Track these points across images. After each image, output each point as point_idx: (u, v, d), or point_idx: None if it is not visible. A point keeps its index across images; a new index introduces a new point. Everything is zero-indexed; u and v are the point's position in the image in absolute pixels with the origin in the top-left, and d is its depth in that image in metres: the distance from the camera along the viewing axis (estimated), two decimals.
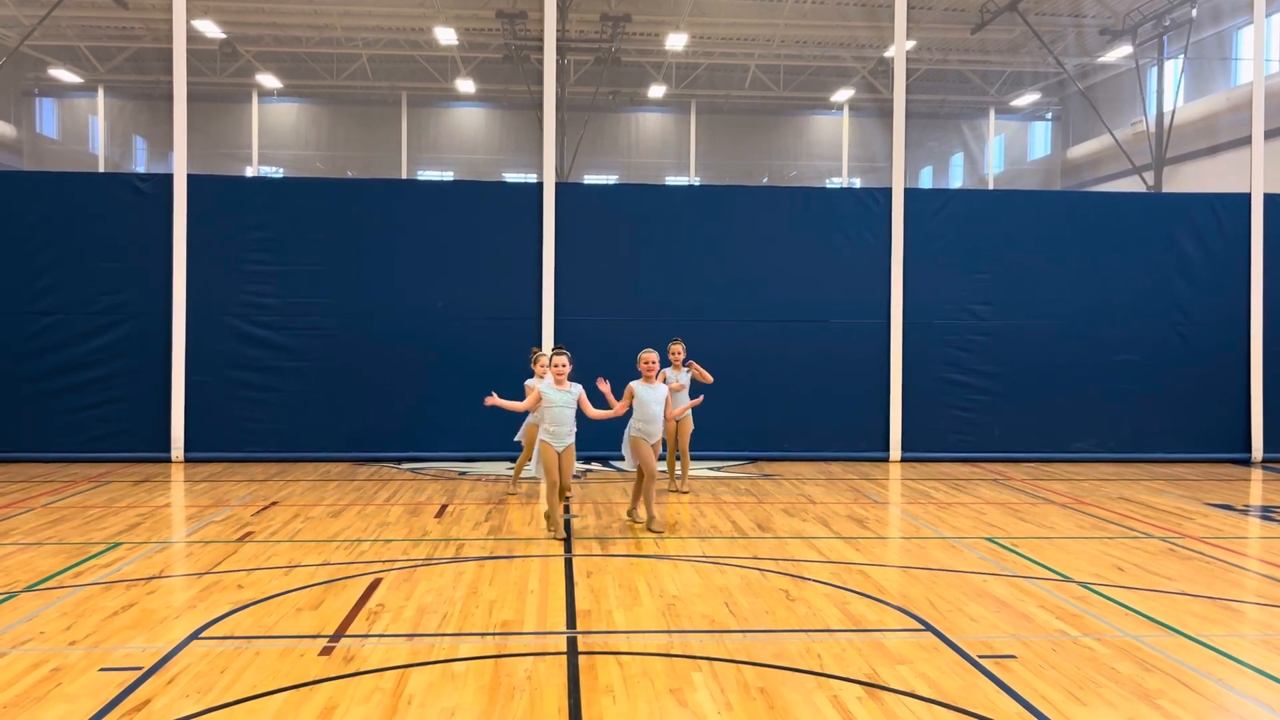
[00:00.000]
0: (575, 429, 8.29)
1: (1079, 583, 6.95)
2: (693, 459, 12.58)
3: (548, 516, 8.36)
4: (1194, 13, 23.09)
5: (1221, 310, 13.37)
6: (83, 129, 33.22)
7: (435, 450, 12.60)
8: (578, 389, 8.22)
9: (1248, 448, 13.33)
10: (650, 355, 8.83)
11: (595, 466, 12.38)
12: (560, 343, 12.45)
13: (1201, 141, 24.29)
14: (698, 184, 31.64)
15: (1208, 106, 24.18)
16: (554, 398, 8.15)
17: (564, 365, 8.18)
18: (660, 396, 8.63)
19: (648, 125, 35.35)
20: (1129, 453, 13.22)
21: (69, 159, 31.67)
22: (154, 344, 12.35)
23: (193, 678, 4.94)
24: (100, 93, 30.91)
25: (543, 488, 8.72)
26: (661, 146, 35.20)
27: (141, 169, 33.06)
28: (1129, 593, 6.70)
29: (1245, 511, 9.98)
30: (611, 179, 33.62)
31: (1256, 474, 12.51)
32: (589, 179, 31.66)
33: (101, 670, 5.04)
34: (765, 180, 34.73)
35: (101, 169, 30.04)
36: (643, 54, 29.18)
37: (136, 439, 12.35)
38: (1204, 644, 5.62)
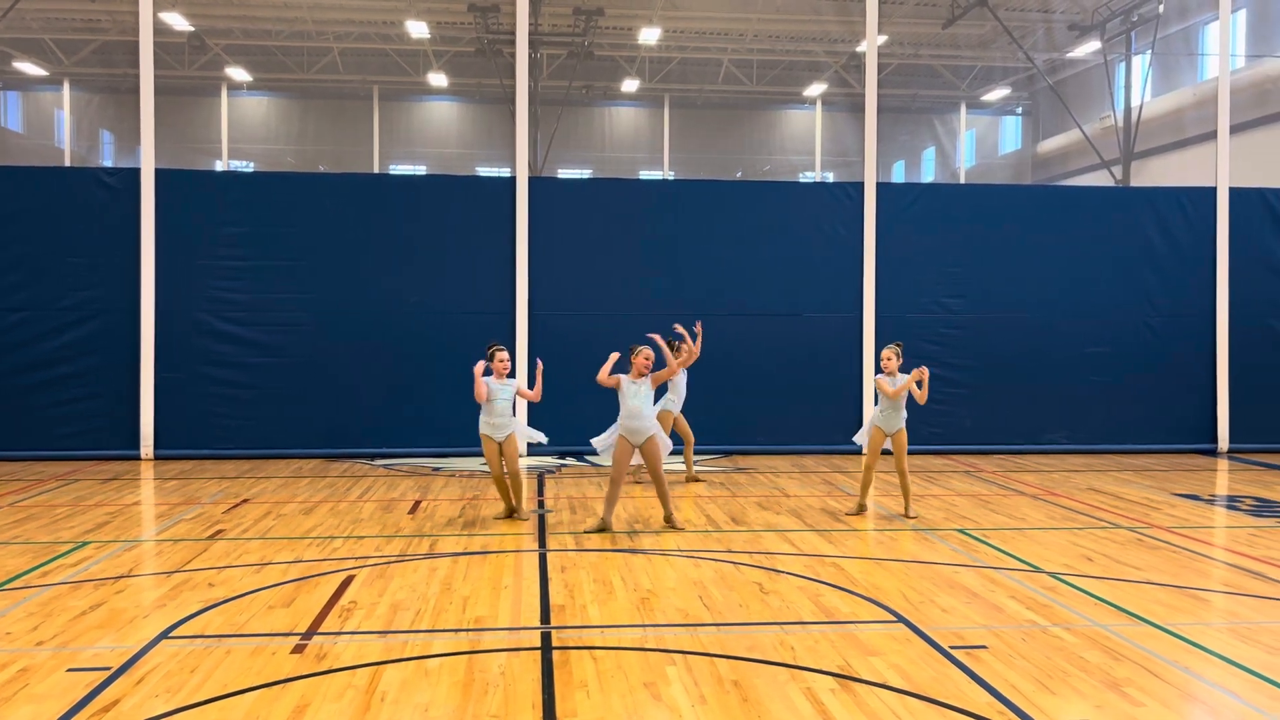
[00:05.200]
0: (515, 420, 8.65)
1: (1049, 573, 7.02)
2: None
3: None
4: (1161, 8, 23.33)
5: (1188, 302, 13.51)
6: (48, 123, 32.79)
7: (408, 446, 12.53)
8: (515, 382, 8.68)
9: (1214, 438, 13.50)
10: (647, 352, 8.25)
11: (570, 461, 12.37)
12: (531, 338, 12.47)
13: (1168, 136, 24.56)
14: (671, 178, 31.64)
15: (1174, 101, 24.45)
16: (495, 390, 8.54)
17: (505, 360, 8.58)
18: (645, 394, 8.17)
19: (621, 119, 35.31)
20: (1098, 444, 13.35)
21: (34, 153, 31.24)
22: (123, 340, 12.21)
23: (162, 677, 4.90)
24: (66, 86, 30.53)
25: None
26: (635, 141, 35.18)
27: (109, 163, 32.64)
28: (1098, 582, 6.77)
29: (1211, 501, 10.11)
30: (585, 173, 33.56)
31: (1222, 464, 12.67)
32: (562, 173, 31.59)
33: (69, 670, 4.99)
34: (739, 174, 34.81)
35: (68, 163, 29.64)
36: (616, 48, 29.14)
37: (105, 436, 12.21)
38: (1171, 632, 5.69)
